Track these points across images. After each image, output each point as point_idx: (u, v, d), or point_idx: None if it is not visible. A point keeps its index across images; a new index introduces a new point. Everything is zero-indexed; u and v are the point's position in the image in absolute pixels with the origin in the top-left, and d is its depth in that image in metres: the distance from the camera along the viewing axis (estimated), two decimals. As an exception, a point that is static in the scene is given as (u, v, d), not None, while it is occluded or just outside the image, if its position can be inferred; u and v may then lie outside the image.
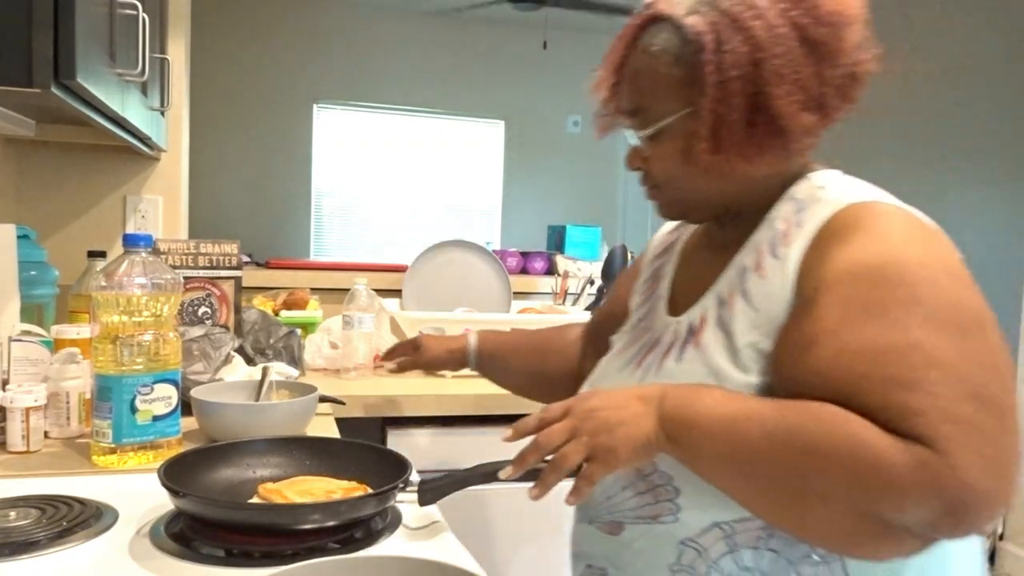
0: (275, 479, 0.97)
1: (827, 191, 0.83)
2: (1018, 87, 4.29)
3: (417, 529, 0.89)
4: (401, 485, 0.88)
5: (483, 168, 5.93)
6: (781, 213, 0.85)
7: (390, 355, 1.39)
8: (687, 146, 0.83)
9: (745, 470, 0.73)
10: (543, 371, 1.22)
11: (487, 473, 0.86)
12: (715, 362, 0.82)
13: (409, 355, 1.36)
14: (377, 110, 5.66)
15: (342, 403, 1.43)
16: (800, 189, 0.85)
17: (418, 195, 5.81)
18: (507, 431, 0.83)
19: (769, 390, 0.78)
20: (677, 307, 0.93)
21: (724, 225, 0.92)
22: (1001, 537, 3.31)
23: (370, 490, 0.92)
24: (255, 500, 0.92)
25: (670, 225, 1.07)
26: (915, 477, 0.65)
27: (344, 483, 0.95)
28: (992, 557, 3.30)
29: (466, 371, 1.35)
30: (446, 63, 5.71)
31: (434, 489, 0.89)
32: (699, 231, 1.00)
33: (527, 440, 0.82)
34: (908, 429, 0.67)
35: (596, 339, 1.10)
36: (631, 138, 0.89)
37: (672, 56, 0.82)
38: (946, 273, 0.74)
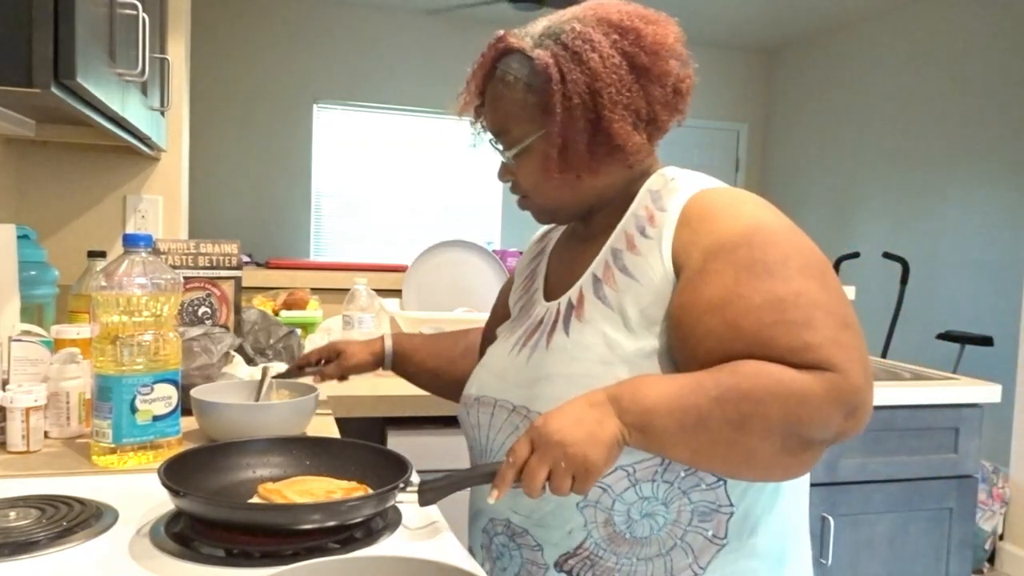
0: (275, 479, 0.97)
1: (678, 182, 0.97)
2: (1018, 87, 4.29)
3: (417, 529, 0.89)
4: (401, 485, 0.88)
5: (483, 168, 5.93)
6: (642, 203, 0.97)
7: (304, 362, 1.33)
8: (544, 163, 0.95)
9: (702, 435, 0.81)
10: (452, 370, 1.27)
11: (487, 474, 0.87)
12: (606, 331, 0.92)
13: (332, 360, 1.32)
14: (377, 110, 5.66)
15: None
16: (654, 182, 0.98)
17: (418, 195, 5.81)
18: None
19: (665, 351, 0.89)
20: (553, 294, 1.03)
21: (588, 220, 1.03)
22: (1001, 537, 3.30)
23: (370, 490, 0.92)
24: (255, 500, 0.92)
25: (539, 234, 1.19)
26: (830, 396, 0.80)
27: (344, 483, 0.95)
28: (992, 557, 3.30)
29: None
30: (446, 63, 5.71)
31: (434, 489, 0.89)
32: (566, 230, 1.11)
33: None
34: (812, 359, 0.81)
35: (490, 342, 1.14)
36: (501, 156, 1.00)
37: (525, 85, 0.94)
38: (794, 231, 0.89)
